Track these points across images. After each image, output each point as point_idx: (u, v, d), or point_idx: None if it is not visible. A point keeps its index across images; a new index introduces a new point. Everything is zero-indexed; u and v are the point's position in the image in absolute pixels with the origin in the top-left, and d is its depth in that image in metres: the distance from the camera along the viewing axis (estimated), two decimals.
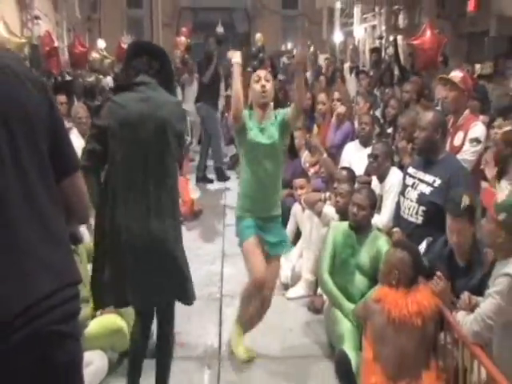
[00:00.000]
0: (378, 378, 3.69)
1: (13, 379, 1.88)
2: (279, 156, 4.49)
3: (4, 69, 1.95)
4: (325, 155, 6.40)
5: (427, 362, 3.70)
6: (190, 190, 8.69)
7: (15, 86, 1.95)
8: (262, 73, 4.53)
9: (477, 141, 5.58)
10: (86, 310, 4.34)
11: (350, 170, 5.64)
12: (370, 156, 5.60)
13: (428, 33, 10.18)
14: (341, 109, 7.43)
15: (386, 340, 3.75)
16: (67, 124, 8.65)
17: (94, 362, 4.28)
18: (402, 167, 5.55)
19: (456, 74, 5.88)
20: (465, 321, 3.46)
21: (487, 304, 3.42)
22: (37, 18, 13.11)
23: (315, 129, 8.17)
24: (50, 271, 1.93)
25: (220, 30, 16.20)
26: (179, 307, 5.61)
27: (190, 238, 7.74)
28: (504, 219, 3.44)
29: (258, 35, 18.32)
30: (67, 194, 2.10)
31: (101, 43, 18.73)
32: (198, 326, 5.25)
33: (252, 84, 4.44)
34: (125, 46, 17.18)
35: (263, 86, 4.38)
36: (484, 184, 5.26)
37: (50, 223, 1.98)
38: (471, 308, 3.54)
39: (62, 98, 9.34)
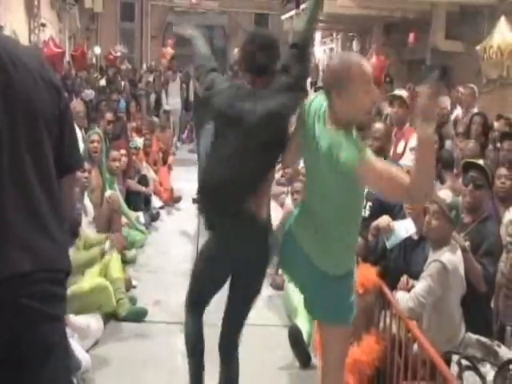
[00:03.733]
0: None
1: None
2: None
3: (15, 61, 1.77)
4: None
5: (368, 327, 3.72)
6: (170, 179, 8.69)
7: (23, 79, 1.78)
8: None
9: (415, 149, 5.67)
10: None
11: (297, 171, 5.69)
12: None
13: (374, 57, 10.39)
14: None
15: None
16: None
17: (91, 325, 4.24)
18: None
19: (402, 93, 5.97)
20: (402, 299, 3.52)
21: (420, 285, 3.47)
22: (43, 25, 12.86)
23: None
24: (30, 253, 1.77)
25: None
26: (159, 280, 5.67)
27: (169, 220, 7.75)
28: (454, 215, 3.51)
29: (236, 50, 18.26)
30: (64, 192, 1.94)
31: (97, 50, 18.51)
32: (175, 297, 5.22)
33: None
34: (115, 53, 17.14)
35: None
36: None
37: (40, 211, 1.81)
38: (408, 289, 3.60)
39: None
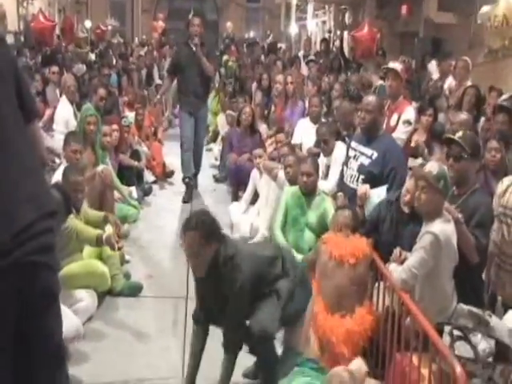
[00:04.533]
0: (319, 309, 3.72)
1: None
2: None
3: None
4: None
5: (360, 299, 3.71)
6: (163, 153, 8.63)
7: None
8: None
9: (408, 122, 5.65)
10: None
11: (289, 145, 5.70)
12: (320, 141, 5.66)
13: (366, 28, 10.29)
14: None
15: (327, 276, 3.73)
16: (57, 91, 8.47)
17: (85, 300, 4.25)
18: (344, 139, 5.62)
19: (396, 66, 5.91)
20: (395, 271, 3.51)
21: (413, 257, 3.46)
22: None
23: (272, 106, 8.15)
24: (31, 202, 1.86)
25: (192, 16, 15.87)
26: (152, 255, 5.66)
27: (162, 195, 7.71)
28: (442, 186, 3.49)
29: (229, 23, 18.08)
30: (34, 138, 2.06)
31: (87, 23, 18.26)
32: (168, 270, 5.24)
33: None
34: (104, 28, 16.95)
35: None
36: (411, 161, 5.31)
37: (26, 160, 1.91)
38: (401, 261, 3.59)
39: (54, 69, 9.12)
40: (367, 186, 4.30)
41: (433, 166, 3.60)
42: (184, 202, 7.08)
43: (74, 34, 13.83)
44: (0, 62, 1.94)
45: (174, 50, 7.86)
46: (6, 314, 1.82)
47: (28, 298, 1.85)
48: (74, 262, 4.36)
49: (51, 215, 1.96)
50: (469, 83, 7.12)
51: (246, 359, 3.54)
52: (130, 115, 8.41)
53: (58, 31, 13.42)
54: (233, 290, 3.25)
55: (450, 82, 7.93)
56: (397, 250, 3.69)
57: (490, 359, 2.09)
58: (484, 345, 2.17)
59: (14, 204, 1.82)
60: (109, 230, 4.70)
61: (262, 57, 12.54)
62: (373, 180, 4.50)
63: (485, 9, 7.44)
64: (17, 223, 1.80)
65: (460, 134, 4.08)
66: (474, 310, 2.30)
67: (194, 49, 7.12)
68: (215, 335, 3.44)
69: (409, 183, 3.86)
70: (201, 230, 3.20)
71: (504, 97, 6.81)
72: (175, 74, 7.48)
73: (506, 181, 3.86)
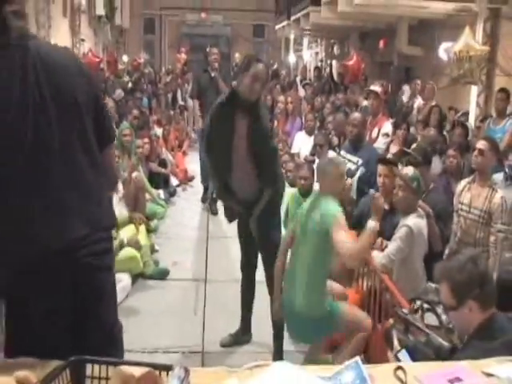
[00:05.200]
0: None
1: (55, 299, 1.76)
2: None
3: (55, 62, 1.75)
4: None
5: (350, 282, 3.71)
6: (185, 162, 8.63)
7: (64, 76, 1.75)
8: None
9: (387, 135, 5.64)
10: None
11: (289, 154, 5.70)
12: (316, 146, 5.64)
13: (354, 58, 10.28)
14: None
15: None
16: None
17: (123, 280, 4.29)
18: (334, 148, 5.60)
19: (376, 89, 5.91)
20: (377, 257, 3.50)
21: (392, 245, 3.45)
22: (82, 40, 12.78)
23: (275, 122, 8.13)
24: (84, 218, 1.78)
25: (208, 50, 15.99)
26: (177, 245, 5.64)
27: (184, 196, 7.71)
28: (415, 186, 3.47)
29: (237, 54, 18.21)
30: (107, 161, 1.91)
31: (125, 58, 18.38)
32: (190, 258, 5.23)
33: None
34: (140, 60, 17.12)
35: None
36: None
37: (86, 182, 1.80)
38: (382, 248, 3.57)
39: None
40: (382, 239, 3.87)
41: (409, 170, 3.60)
42: (202, 201, 6.94)
43: (116, 67, 13.90)
44: (79, 94, 1.79)
45: (195, 77, 7.32)
46: (64, 304, 1.78)
47: (83, 294, 1.80)
48: None
49: (106, 229, 1.89)
50: (434, 103, 7.14)
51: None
52: (158, 131, 8.40)
53: (102, 65, 13.53)
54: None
55: (418, 101, 7.94)
56: (379, 240, 3.68)
57: (451, 325, 2.11)
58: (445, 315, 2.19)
59: (69, 219, 1.75)
60: (131, 231, 4.81)
61: None
62: (358, 182, 4.47)
63: (444, 45, 7.66)
64: (68, 235, 1.74)
65: (413, 146, 4.18)
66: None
67: (213, 74, 6.75)
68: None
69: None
70: None
71: (459, 114, 6.87)
72: (197, 98, 7.01)
73: (463, 182, 3.86)
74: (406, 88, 9.10)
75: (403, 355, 1.98)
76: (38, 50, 1.73)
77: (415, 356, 1.94)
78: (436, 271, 1.98)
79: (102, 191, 1.89)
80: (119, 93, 10.75)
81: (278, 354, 3.34)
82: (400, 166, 4.46)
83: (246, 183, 3.29)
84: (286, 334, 3.36)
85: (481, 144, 3.67)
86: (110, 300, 1.94)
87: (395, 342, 2.09)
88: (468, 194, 3.71)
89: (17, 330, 1.79)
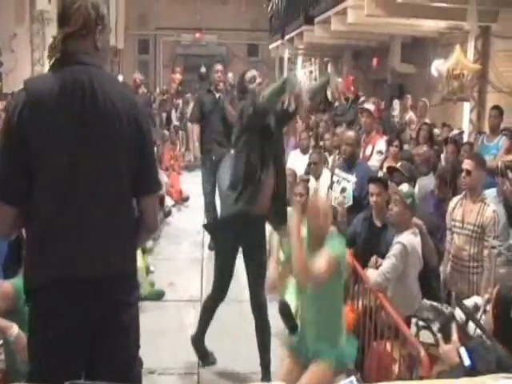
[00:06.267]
0: None
1: (87, 322, 1.82)
2: None
3: (106, 101, 1.80)
4: None
5: (345, 300, 3.72)
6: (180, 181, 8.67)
7: (112, 117, 1.80)
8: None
9: (380, 152, 5.69)
10: None
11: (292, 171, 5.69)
12: (311, 164, 5.68)
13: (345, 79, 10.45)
14: None
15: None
16: None
17: None
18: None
19: (369, 106, 5.99)
20: (372, 275, 3.52)
21: (386, 263, 3.48)
22: None
23: None
24: (111, 258, 1.84)
25: (203, 70, 16.18)
26: (172, 266, 5.65)
27: (180, 217, 7.72)
28: (410, 202, 3.52)
29: (230, 74, 18.32)
30: (144, 209, 1.93)
31: (120, 78, 18.52)
32: (186, 279, 5.23)
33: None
34: (139, 80, 17.25)
35: None
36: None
37: (121, 223, 1.87)
38: (376, 267, 3.60)
39: None
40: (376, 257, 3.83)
41: (404, 186, 3.66)
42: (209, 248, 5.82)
43: None
44: (125, 142, 1.83)
45: (198, 98, 6.40)
46: (84, 335, 1.83)
47: (101, 327, 1.84)
48: None
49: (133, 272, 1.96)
50: (427, 120, 7.24)
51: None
52: None
53: None
54: None
55: (409, 115, 8.05)
56: (373, 258, 3.71)
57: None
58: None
59: (102, 253, 1.82)
60: None
61: None
62: (352, 200, 4.52)
63: (436, 63, 7.80)
64: (105, 268, 1.82)
65: (399, 164, 4.27)
66: (435, 304, 2.34)
67: (217, 95, 5.93)
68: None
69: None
70: None
71: (456, 132, 6.96)
72: (198, 122, 6.10)
73: (455, 199, 3.92)
74: (396, 103, 9.24)
75: (463, 352, 1.88)
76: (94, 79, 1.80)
77: (475, 358, 1.85)
78: None
79: (129, 235, 1.91)
80: None
81: (266, 374, 3.35)
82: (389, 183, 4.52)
83: (266, 198, 3.25)
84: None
85: (467, 164, 3.74)
86: (127, 336, 1.94)
87: (455, 336, 2.03)
88: (460, 211, 3.77)
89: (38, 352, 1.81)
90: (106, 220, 1.83)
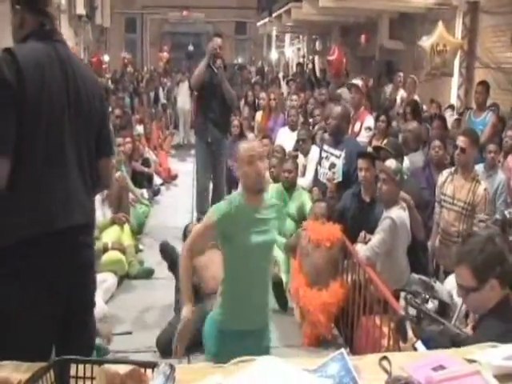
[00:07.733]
0: (300, 284, 3.71)
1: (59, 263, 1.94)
2: None
3: (84, 80, 2.05)
4: None
5: (334, 276, 3.72)
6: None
7: (87, 93, 2.05)
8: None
9: (369, 128, 5.63)
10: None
11: (281, 147, 5.63)
12: (299, 140, 5.61)
13: (336, 52, 10.30)
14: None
15: (306, 256, 3.74)
16: None
17: (108, 280, 4.27)
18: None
19: (358, 82, 5.93)
20: (361, 250, 3.52)
21: (375, 238, 3.47)
22: None
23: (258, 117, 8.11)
24: (84, 210, 2.03)
25: (190, 48, 16.01)
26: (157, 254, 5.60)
27: (169, 195, 7.67)
28: (398, 178, 3.50)
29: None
30: (102, 169, 2.15)
31: (106, 57, 18.23)
32: None
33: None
34: (128, 58, 17.04)
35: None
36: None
37: (87, 180, 2.06)
38: (365, 242, 3.59)
39: None
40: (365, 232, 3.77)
41: (392, 163, 3.62)
42: None
43: (101, 65, 13.86)
44: (94, 113, 2.08)
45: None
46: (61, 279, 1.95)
47: (74, 267, 1.99)
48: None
49: (93, 226, 2.21)
50: (416, 96, 7.19)
51: None
52: (139, 128, 8.34)
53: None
54: None
55: (401, 93, 7.99)
56: (362, 233, 3.70)
57: (433, 314, 2.14)
58: (430, 305, 2.20)
59: (74, 207, 2.00)
60: (115, 233, 4.83)
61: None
62: (345, 175, 4.48)
63: (424, 38, 7.75)
64: (73, 220, 1.98)
65: (385, 141, 4.23)
66: (423, 277, 2.33)
67: (216, 71, 5.41)
68: None
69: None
70: None
71: (446, 106, 6.91)
72: (198, 91, 5.60)
73: (445, 173, 3.89)
74: (389, 87, 9.16)
75: (420, 346, 1.97)
76: (66, 51, 2.03)
77: (431, 345, 1.93)
78: (453, 256, 2.00)
79: (92, 190, 2.14)
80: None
81: None
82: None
83: None
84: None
85: (461, 141, 3.69)
86: (94, 272, 2.17)
87: (410, 333, 2.08)
88: (451, 186, 3.75)
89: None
90: (81, 175, 2.03)
